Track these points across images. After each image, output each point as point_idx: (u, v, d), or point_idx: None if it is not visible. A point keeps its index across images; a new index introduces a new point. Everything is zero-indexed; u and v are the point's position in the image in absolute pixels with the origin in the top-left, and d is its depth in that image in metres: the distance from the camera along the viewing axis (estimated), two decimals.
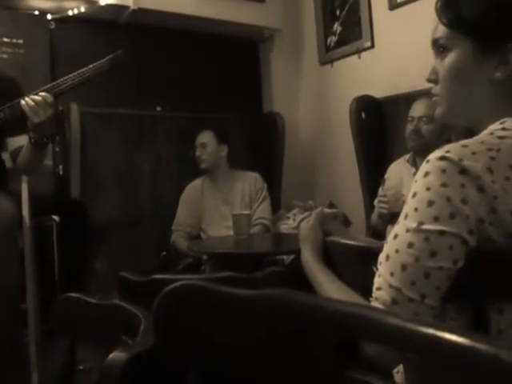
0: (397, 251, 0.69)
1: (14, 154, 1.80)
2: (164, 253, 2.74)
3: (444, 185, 0.67)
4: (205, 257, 2.36)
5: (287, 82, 3.48)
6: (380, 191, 2.28)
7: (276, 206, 2.98)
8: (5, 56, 2.56)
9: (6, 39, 2.57)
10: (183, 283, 0.53)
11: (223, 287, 0.52)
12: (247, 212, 2.38)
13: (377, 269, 0.75)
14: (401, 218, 0.72)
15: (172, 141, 3.03)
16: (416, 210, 0.69)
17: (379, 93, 2.83)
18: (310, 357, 0.46)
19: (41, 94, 1.57)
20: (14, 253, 1.57)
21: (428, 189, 0.68)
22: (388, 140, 2.80)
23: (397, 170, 2.32)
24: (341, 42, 3.16)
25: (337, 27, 3.18)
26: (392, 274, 0.69)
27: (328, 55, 3.26)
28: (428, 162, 0.71)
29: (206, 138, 2.75)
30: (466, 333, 0.37)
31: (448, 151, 0.69)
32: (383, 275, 0.70)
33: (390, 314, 0.46)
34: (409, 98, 2.55)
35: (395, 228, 0.73)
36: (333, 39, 3.22)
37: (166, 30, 3.10)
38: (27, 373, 1.66)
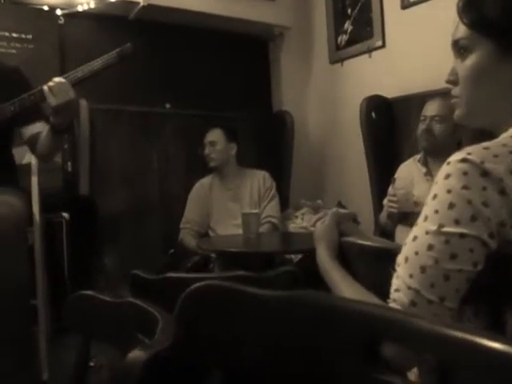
0: (416, 253, 0.69)
1: (32, 142, 1.79)
2: (172, 250, 2.73)
3: (465, 187, 0.66)
4: (213, 255, 2.36)
5: (297, 81, 3.46)
6: (390, 191, 2.27)
7: (284, 205, 2.97)
8: (14, 51, 2.56)
9: (15, 34, 2.57)
10: (207, 283, 0.53)
11: (247, 287, 0.52)
12: (257, 211, 2.37)
13: (394, 270, 0.75)
14: (420, 219, 0.71)
15: (181, 138, 3.03)
16: (436, 212, 0.68)
17: (390, 93, 2.82)
18: (334, 358, 0.46)
19: (55, 79, 1.57)
20: (24, 249, 1.57)
21: (449, 191, 0.68)
22: (398, 140, 2.79)
23: (407, 170, 2.31)
24: (352, 41, 3.14)
25: (348, 26, 3.17)
26: (411, 276, 0.68)
27: (338, 54, 3.24)
28: (449, 163, 0.70)
29: (215, 136, 2.75)
30: (498, 337, 0.36)
31: (469, 153, 0.68)
32: (402, 277, 0.70)
33: (416, 315, 0.45)
34: (420, 99, 2.54)
35: (414, 230, 0.72)
36: (343, 38, 3.20)
37: (176, 27, 3.09)
38: (38, 370, 1.66)
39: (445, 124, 2.13)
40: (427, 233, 0.68)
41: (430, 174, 2.20)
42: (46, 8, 2.68)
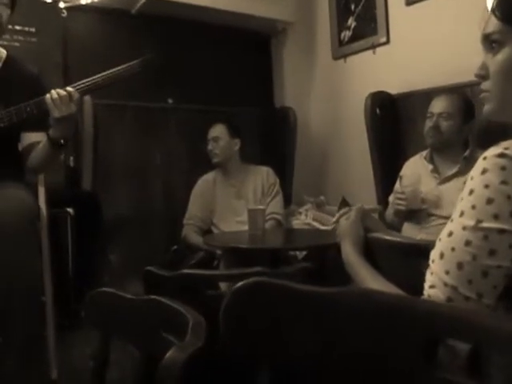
0: (453, 249, 0.68)
1: (27, 150, 1.74)
2: (175, 247, 2.72)
3: (504, 182, 0.66)
4: (218, 251, 2.34)
5: (300, 77, 3.45)
6: (397, 188, 2.27)
7: (287, 201, 2.96)
8: (17, 44, 2.53)
9: (18, 27, 2.54)
10: (255, 280, 0.52)
11: (295, 284, 0.51)
12: (263, 207, 2.35)
13: (424, 267, 0.74)
14: (455, 215, 0.71)
15: (184, 134, 3.01)
16: (474, 207, 0.67)
17: (393, 89, 2.81)
18: (394, 356, 0.45)
19: (68, 89, 1.54)
20: (36, 244, 1.55)
21: (486, 186, 0.67)
22: (402, 137, 2.78)
23: (413, 167, 2.30)
24: (355, 37, 3.13)
25: (351, 22, 3.15)
26: (447, 272, 0.68)
27: (341, 50, 3.23)
28: (485, 158, 0.69)
29: (219, 131, 2.73)
30: None
31: (507, 148, 0.68)
32: (437, 273, 0.69)
33: (480, 313, 0.44)
34: (424, 95, 2.54)
35: (449, 225, 0.71)
36: (347, 34, 3.19)
37: (179, 22, 3.07)
38: (46, 367, 1.64)
39: (452, 121, 2.13)
40: (464, 228, 0.67)
41: (436, 171, 2.19)
42: (49, 1, 2.65)
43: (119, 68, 1.55)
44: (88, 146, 2.59)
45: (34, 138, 1.72)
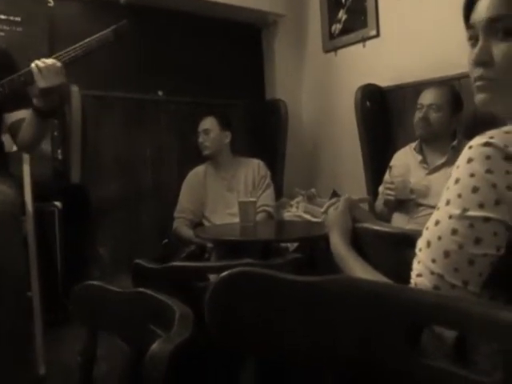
0: (439, 238, 0.68)
1: (14, 129, 1.71)
2: (166, 240, 2.71)
3: (489, 171, 0.66)
4: (209, 244, 2.33)
5: (290, 69, 3.44)
6: (387, 178, 2.28)
7: (278, 193, 2.96)
8: (2, 34, 2.48)
9: (2, 16, 2.49)
10: (241, 269, 0.51)
11: (282, 273, 0.50)
12: (254, 199, 2.34)
13: (412, 257, 0.74)
14: (441, 204, 0.71)
15: (174, 126, 2.99)
16: (459, 196, 0.68)
17: (383, 82, 2.82)
18: (380, 344, 0.45)
19: (50, 59, 1.52)
20: (19, 239, 1.52)
21: (472, 175, 0.67)
22: (392, 129, 2.79)
23: (403, 158, 2.33)
24: (345, 30, 3.12)
25: (342, 15, 3.15)
26: (434, 261, 0.68)
27: (332, 43, 3.22)
28: (471, 148, 0.69)
29: (209, 124, 2.71)
30: None
31: (492, 137, 0.68)
32: (424, 262, 0.69)
33: (463, 299, 0.44)
34: (413, 88, 2.56)
35: (435, 214, 0.71)
36: (337, 27, 3.18)
37: (168, 13, 3.03)
38: (34, 363, 1.62)
39: (441, 113, 2.16)
40: (450, 217, 0.68)
41: (425, 162, 2.21)
42: None
43: (92, 38, 1.54)
44: (76, 139, 2.56)
45: (19, 115, 1.70)
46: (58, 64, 1.52)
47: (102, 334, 0.94)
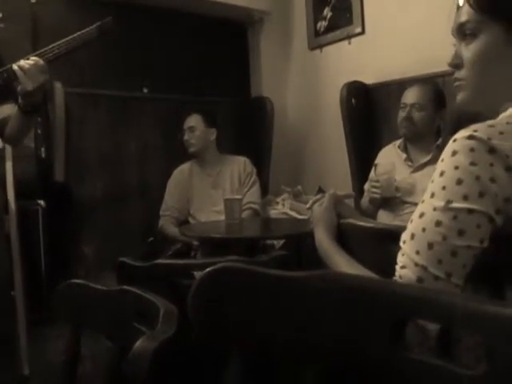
0: (423, 230, 0.69)
1: (1, 125, 1.69)
2: (151, 238, 2.69)
3: (473, 163, 0.67)
4: (195, 242, 2.33)
5: (276, 67, 3.44)
6: (372, 176, 2.29)
7: (264, 190, 2.96)
8: None
9: None
10: (224, 265, 0.51)
11: (266, 269, 0.50)
12: (239, 197, 2.34)
13: (397, 251, 0.74)
14: (426, 196, 0.72)
15: (159, 123, 2.97)
16: (444, 188, 0.69)
17: (369, 79, 2.84)
18: (364, 338, 0.45)
19: (32, 58, 1.49)
20: (1, 238, 1.50)
21: (456, 167, 0.68)
22: (377, 126, 2.81)
23: (388, 156, 2.34)
24: (331, 28, 3.13)
25: (327, 12, 3.15)
26: (418, 253, 0.68)
27: (317, 40, 3.23)
28: (455, 141, 0.71)
29: (195, 121, 2.70)
30: None
31: (476, 130, 0.69)
32: (408, 254, 0.70)
33: (446, 293, 0.45)
34: (398, 85, 2.57)
35: (420, 206, 0.72)
36: (323, 24, 3.19)
37: (153, 10, 3.01)
38: (18, 364, 1.60)
39: (424, 112, 2.17)
40: (435, 209, 0.68)
41: (410, 160, 2.23)
42: None
43: (76, 34, 1.52)
44: (60, 137, 2.53)
45: (6, 110, 1.67)
46: (41, 62, 1.49)
47: (86, 333, 0.93)
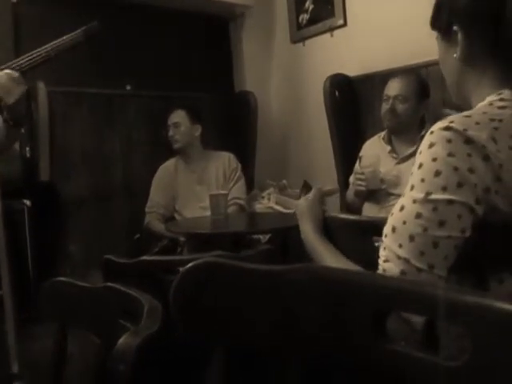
0: (404, 222, 0.69)
1: None
2: (138, 235, 2.69)
3: (450, 154, 0.68)
4: (182, 238, 2.33)
5: (259, 61, 3.44)
6: (357, 169, 2.30)
7: (250, 185, 2.97)
8: None
9: None
10: (206, 260, 0.51)
11: (246, 263, 0.51)
12: (225, 192, 2.35)
13: (378, 243, 0.75)
14: (406, 189, 0.72)
15: (143, 120, 2.96)
16: (423, 180, 0.69)
17: (352, 71, 2.84)
18: (345, 331, 0.45)
19: (5, 71, 1.48)
20: None
21: (434, 159, 0.69)
22: (362, 118, 2.82)
23: (372, 148, 2.34)
24: (313, 20, 3.13)
25: (309, 5, 3.15)
26: (400, 246, 0.69)
27: (300, 33, 3.23)
28: (432, 133, 0.71)
29: (179, 117, 2.70)
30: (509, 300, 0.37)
31: (452, 121, 0.70)
32: (390, 247, 0.70)
33: (427, 284, 0.45)
34: (382, 77, 2.58)
35: (400, 200, 0.73)
36: (305, 17, 3.19)
37: (134, 6, 2.99)
38: (7, 362, 1.60)
39: (407, 103, 2.16)
40: (414, 201, 0.69)
41: (394, 152, 2.23)
42: None
43: (62, 39, 1.51)
44: (44, 136, 2.51)
45: None
46: (15, 74, 1.48)
47: (73, 330, 0.93)
